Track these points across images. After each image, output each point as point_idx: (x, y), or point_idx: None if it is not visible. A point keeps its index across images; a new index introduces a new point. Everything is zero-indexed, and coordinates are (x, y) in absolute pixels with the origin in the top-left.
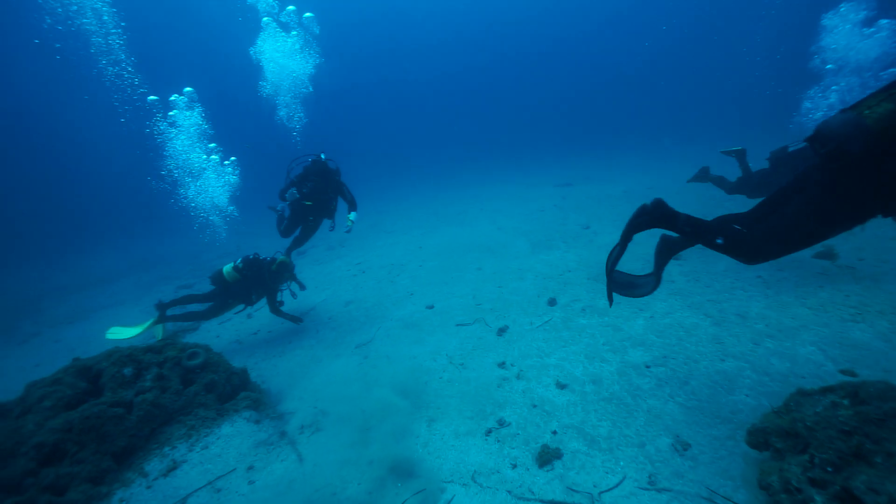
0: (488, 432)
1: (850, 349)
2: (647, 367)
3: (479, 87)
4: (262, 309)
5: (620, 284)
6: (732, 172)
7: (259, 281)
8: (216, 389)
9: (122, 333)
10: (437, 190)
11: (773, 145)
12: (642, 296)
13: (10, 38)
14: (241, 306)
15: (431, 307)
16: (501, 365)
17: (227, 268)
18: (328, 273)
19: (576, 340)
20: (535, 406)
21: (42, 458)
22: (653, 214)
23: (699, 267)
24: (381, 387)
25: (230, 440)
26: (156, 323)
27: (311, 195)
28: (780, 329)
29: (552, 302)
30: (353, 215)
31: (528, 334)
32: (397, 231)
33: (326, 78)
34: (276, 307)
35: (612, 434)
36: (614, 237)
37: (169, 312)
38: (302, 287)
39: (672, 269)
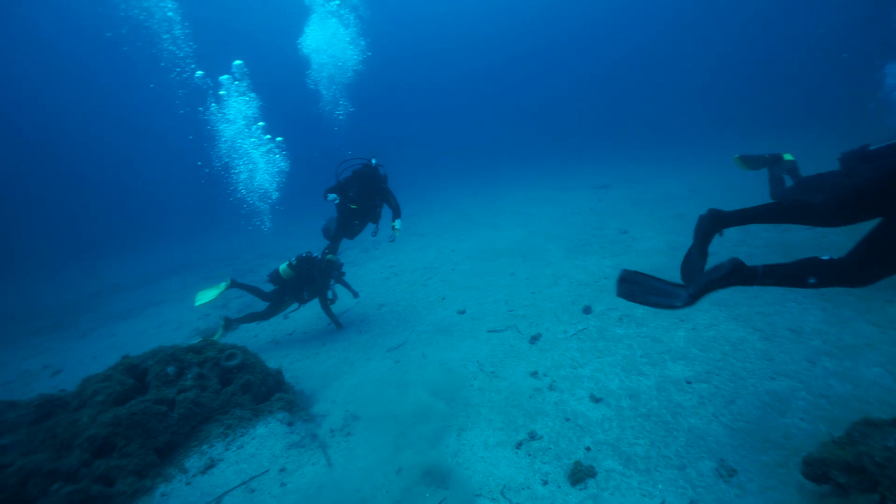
0: (519, 445)
1: None
2: (689, 382)
3: (514, 87)
4: (298, 311)
5: (644, 288)
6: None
7: (310, 278)
8: (252, 390)
9: (205, 297)
10: (471, 192)
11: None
12: (663, 307)
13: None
14: (296, 305)
15: (463, 312)
16: (534, 374)
17: (283, 266)
18: (362, 276)
19: (612, 351)
20: (567, 419)
21: (94, 449)
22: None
23: None
24: (412, 393)
25: (264, 441)
26: (228, 288)
27: (358, 199)
28: (840, 347)
29: (587, 310)
30: (398, 223)
31: (562, 343)
32: (430, 233)
33: (369, 72)
34: (326, 304)
35: (649, 454)
36: (653, 243)
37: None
38: (355, 294)
39: None
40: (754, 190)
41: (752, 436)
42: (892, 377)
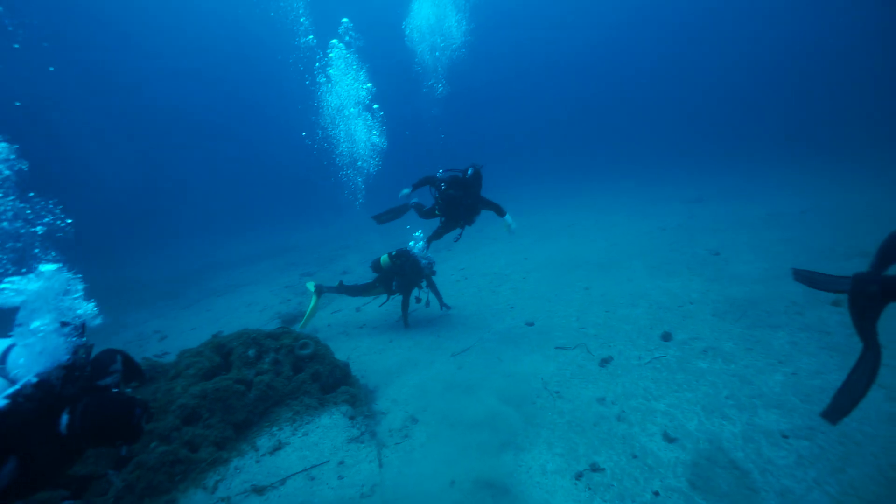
0: (579, 476)
1: None
2: (785, 437)
3: (607, 85)
4: (369, 304)
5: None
6: None
7: (402, 272)
8: (321, 380)
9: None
10: (552, 197)
11: None
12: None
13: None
14: (385, 297)
15: (531, 324)
16: (601, 401)
17: (384, 256)
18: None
19: (692, 387)
20: (635, 457)
21: (184, 417)
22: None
23: None
24: (472, 403)
25: (328, 431)
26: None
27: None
28: None
29: (667, 336)
30: (508, 217)
31: (635, 370)
32: (503, 238)
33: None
34: (406, 301)
35: None
36: (750, 268)
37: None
38: (443, 307)
39: (830, 317)
40: (880, 218)
41: None
42: None
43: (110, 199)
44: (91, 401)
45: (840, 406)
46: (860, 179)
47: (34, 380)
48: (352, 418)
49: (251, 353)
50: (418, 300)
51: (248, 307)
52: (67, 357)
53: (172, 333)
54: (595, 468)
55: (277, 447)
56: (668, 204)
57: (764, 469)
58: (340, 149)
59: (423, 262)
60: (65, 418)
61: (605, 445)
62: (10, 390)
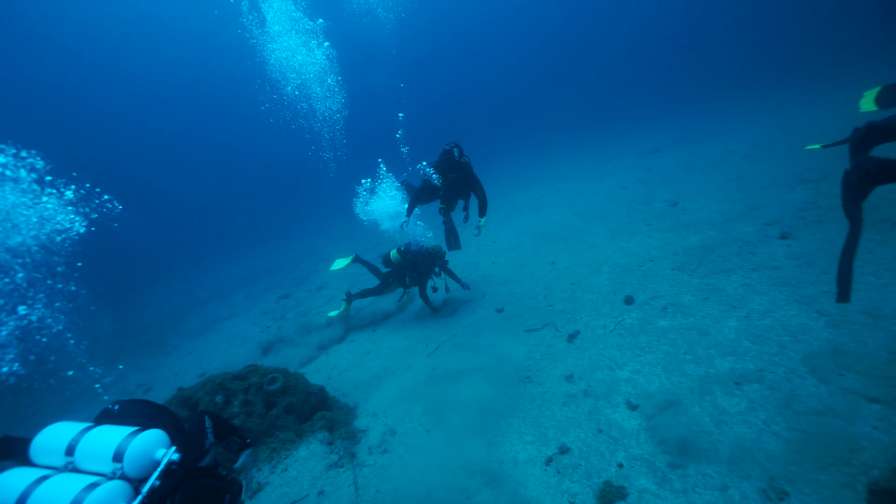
0: (548, 461)
1: None
2: (737, 383)
3: (553, 48)
4: (352, 313)
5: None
6: None
7: (413, 265)
8: (295, 411)
9: (337, 265)
10: (513, 173)
11: None
12: None
13: None
14: (402, 290)
15: (501, 310)
16: (569, 378)
17: (394, 251)
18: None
19: (653, 348)
20: (600, 431)
21: None
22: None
23: (814, 247)
24: (447, 407)
25: (306, 463)
26: (353, 262)
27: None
28: None
29: (629, 300)
30: (483, 220)
31: (601, 340)
32: (470, 224)
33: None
34: (424, 292)
35: (687, 472)
36: (705, 213)
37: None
38: (464, 286)
39: (778, 250)
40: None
41: (811, 449)
42: None
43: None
44: (186, 491)
45: (843, 287)
46: (808, 102)
47: (158, 483)
48: (330, 444)
49: (219, 399)
50: (434, 289)
51: (227, 343)
52: (178, 455)
53: (157, 384)
54: (563, 450)
55: (257, 489)
56: (626, 159)
57: (719, 420)
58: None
59: (433, 248)
60: None
61: (573, 425)
62: (139, 497)
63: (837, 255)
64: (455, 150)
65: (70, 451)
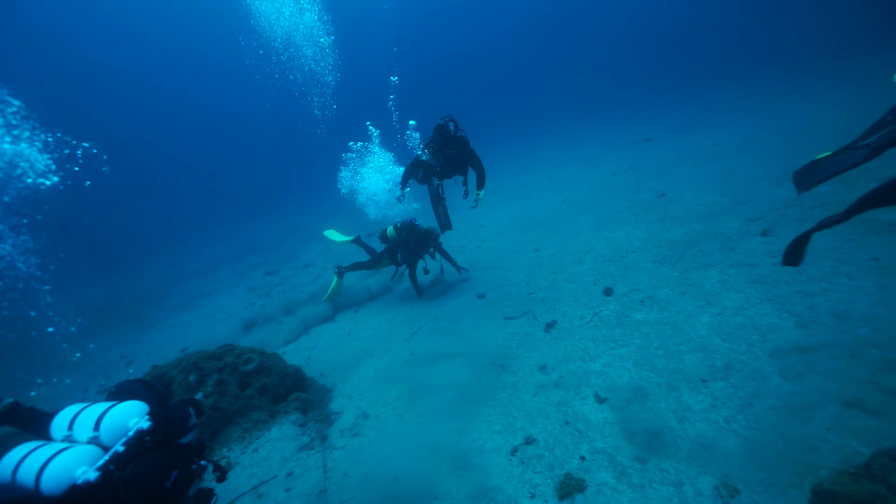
0: (514, 451)
1: None
2: (704, 381)
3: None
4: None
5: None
6: None
7: (405, 242)
8: (269, 392)
9: (333, 237)
10: (508, 157)
11: None
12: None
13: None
14: (394, 268)
15: (483, 296)
16: (542, 369)
17: (390, 228)
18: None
19: (627, 341)
20: (567, 423)
21: None
22: None
23: None
24: (421, 391)
25: (276, 444)
26: (353, 241)
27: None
28: (894, 337)
29: (608, 291)
30: (482, 193)
31: (577, 331)
32: (461, 206)
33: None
34: (413, 273)
35: (647, 466)
36: (693, 205)
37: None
38: (459, 270)
39: (758, 247)
40: (820, 137)
41: (767, 448)
42: None
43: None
44: (138, 461)
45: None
46: (803, 97)
47: (122, 448)
48: (302, 426)
49: (192, 378)
50: (426, 271)
51: (210, 318)
52: (148, 424)
53: (138, 357)
54: (529, 440)
55: (227, 468)
56: (619, 148)
57: (682, 417)
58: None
59: (430, 230)
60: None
61: (541, 416)
62: (101, 461)
63: (814, 256)
64: (451, 123)
65: (71, 425)
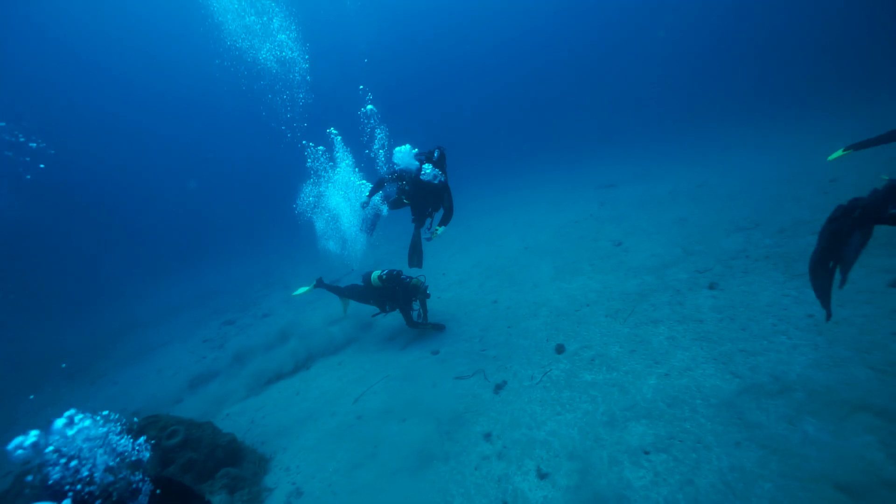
0: None
1: None
2: (646, 452)
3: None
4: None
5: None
6: None
7: (393, 295)
8: (196, 467)
9: (299, 291)
10: (475, 198)
11: None
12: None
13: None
14: (377, 310)
15: (437, 352)
16: (487, 437)
17: (374, 275)
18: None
19: (574, 406)
20: (505, 503)
21: None
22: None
23: (737, 300)
24: (361, 464)
25: None
26: (315, 287)
27: (412, 196)
28: (828, 403)
29: (560, 349)
30: (441, 230)
31: (526, 393)
32: (425, 254)
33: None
34: (411, 320)
35: None
36: (646, 255)
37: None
38: (432, 326)
39: (704, 301)
40: (770, 185)
41: None
42: (887, 451)
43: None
44: None
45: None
46: (754, 145)
47: None
48: None
49: None
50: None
51: (158, 373)
52: None
53: None
54: None
55: None
56: (583, 192)
57: (622, 496)
58: None
59: (418, 284)
60: None
61: (480, 494)
62: None
63: (756, 311)
64: (436, 151)
65: None
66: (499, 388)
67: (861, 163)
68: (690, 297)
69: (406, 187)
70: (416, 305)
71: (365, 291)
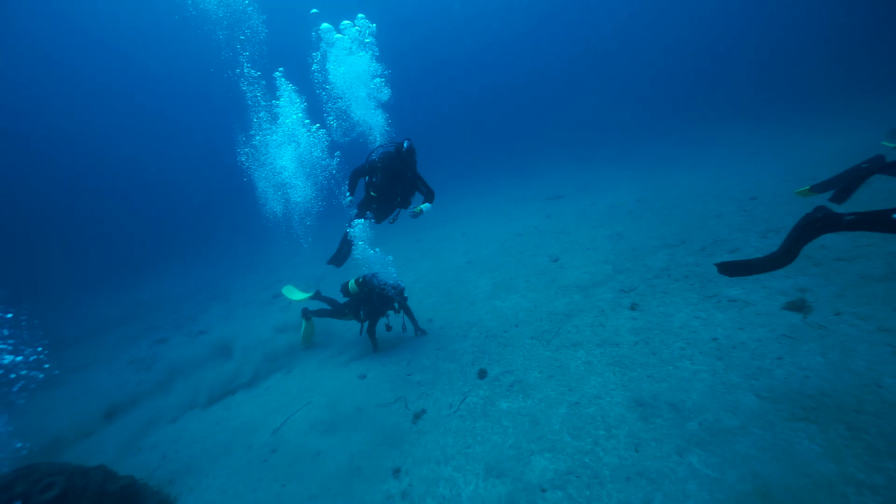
0: None
1: (793, 475)
2: (543, 490)
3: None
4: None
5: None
6: None
7: (368, 301)
8: None
9: (292, 295)
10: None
11: None
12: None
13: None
14: (356, 322)
15: (364, 377)
16: (396, 473)
17: (352, 282)
18: (258, 324)
19: (484, 437)
20: None
21: None
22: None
23: (654, 322)
24: None
25: None
26: (313, 297)
27: (380, 187)
28: (716, 432)
29: (482, 373)
30: (427, 206)
31: (442, 423)
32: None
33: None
34: (373, 329)
35: None
36: (578, 273)
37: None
38: (417, 332)
39: (624, 323)
40: (700, 200)
41: None
42: (754, 483)
43: None
44: None
45: (735, 269)
46: (695, 158)
47: None
48: None
49: None
50: (388, 328)
51: (73, 401)
52: None
53: None
54: None
55: None
56: (531, 203)
57: None
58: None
59: (392, 291)
60: None
61: None
62: None
63: (668, 335)
64: (406, 142)
65: None
66: (417, 417)
67: (777, 182)
68: (612, 318)
69: (375, 180)
70: (390, 313)
71: (342, 306)
